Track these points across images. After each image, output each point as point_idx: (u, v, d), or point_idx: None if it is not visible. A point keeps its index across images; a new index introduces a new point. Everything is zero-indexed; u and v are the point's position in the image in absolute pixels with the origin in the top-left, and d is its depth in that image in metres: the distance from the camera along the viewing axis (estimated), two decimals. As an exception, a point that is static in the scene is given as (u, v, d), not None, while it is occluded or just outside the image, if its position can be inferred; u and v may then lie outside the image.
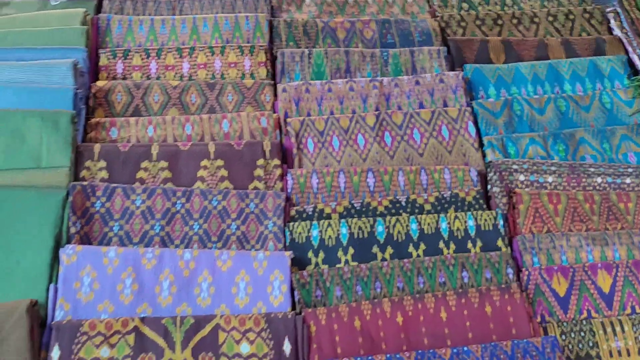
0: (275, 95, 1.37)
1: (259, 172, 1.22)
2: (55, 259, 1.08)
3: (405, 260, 1.12)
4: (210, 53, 1.40)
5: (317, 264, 1.13)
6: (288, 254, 1.10)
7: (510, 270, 1.13)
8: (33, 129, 1.17)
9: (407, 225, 1.16)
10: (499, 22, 1.56)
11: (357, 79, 1.38)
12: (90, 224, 1.13)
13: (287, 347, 1.02)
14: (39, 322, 1.03)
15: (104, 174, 1.19)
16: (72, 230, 1.11)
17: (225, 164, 1.22)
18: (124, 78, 1.37)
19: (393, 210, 1.19)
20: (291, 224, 1.16)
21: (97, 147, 1.21)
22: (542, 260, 1.14)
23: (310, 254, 1.14)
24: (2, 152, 1.16)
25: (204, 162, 1.22)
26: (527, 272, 1.12)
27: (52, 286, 1.06)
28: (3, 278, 1.05)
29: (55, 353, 0.99)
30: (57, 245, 1.09)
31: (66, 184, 1.15)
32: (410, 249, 1.15)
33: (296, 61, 1.41)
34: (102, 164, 1.20)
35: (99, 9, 1.49)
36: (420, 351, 1.00)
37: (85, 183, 1.15)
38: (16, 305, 1.01)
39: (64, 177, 1.16)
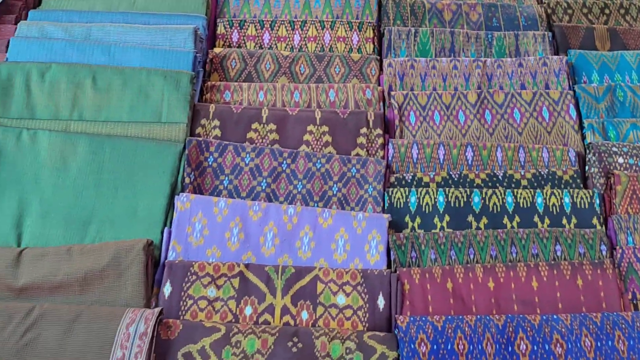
0: (381, 69, 1.42)
1: (361, 139, 1.28)
2: (170, 205, 1.17)
3: (500, 230, 1.15)
4: (321, 27, 1.46)
5: (413, 228, 1.18)
6: (386, 216, 1.16)
7: (604, 247, 1.14)
8: (156, 86, 1.27)
9: (503, 198, 1.19)
10: (606, 11, 1.57)
11: (461, 58, 1.42)
12: (202, 177, 1.22)
13: (380, 301, 1.08)
14: (154, 261, 1.11)
15: (217, 132, 1.27)
16: (187, 180, 1.20)
17: (330, 130, 1.28)
18: (239, 46, 1.45)
19: (490, 184, 1.22)
20: (390, 189, 1.21)
21: (212, 107, 1.29)
22: (636, 240, 1.15)
23: (407, 219, 1.18)
24: (128, 107, 1.26)
25: (310, 127, 1.28)
26: (620, 250, 1.13)
27: (166, 229, 1.14)
28: (125, 220, 1.15)
29: (167, 289, 1.08)
30: (173, 193, 1.18)
31: (183, 139, 1.23)
32: (505, 220, 1.18)
33: (402, 39, 1.46)
34: (216, 122, 1.28)
35: (218, -19, 1.58)
36: (510, 315, 1.04)
37: (200, 139, 1.23)
38: (135, 243, 1.10)
39: (181, 132, 1.24)
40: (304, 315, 1.07)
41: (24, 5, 1.47)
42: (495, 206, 1.19)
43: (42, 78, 1.27)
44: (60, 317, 1.02)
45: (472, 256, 1.13)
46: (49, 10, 1.44)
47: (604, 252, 1.14)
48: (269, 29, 1.46)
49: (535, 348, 1.01)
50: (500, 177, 1.23)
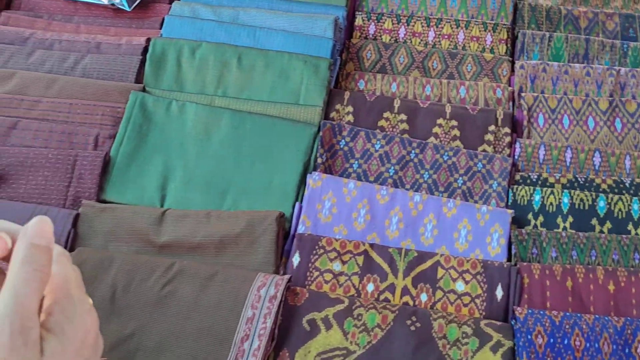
0: (512, 71, 1.44)
1: (489, 137, 1.31)
2: (302, 182, 1.23)
3: (624, 235, 1.16)
4: (456, 26, 1.50)
5: (535, 226, 1.20)
6: (510, 211, 1.18)
7: None
8: (296, 70, 1.34)
9: (629, 205, 1.20)
10: None
11: (594, 66, 1.42)
12: (334, 158, 1.28)
13: (499, 292, 1.11)
14: (283, 233, 1.18)
15: (350, 117, 1.33)
16: (319, 160, 1.26)
17: (458, 124, 1.32)
18: (374, 39, 1.50)
19: (616, 190, 1.23)
20: (515, 186, 1.24)
21: (347, 94, 1.35)
22: None
23: (530, 216, 1.21)
24: (269, 87, 1.33)
25: (440, 121, 1.32)
26: None
27: (297, 204, 1.21)
28: (260, 191, 1.22)
29: (295, 259, 1.14)
30: (305, 171, 1.24)
31: (318, 121, 1.30)
32: (630, 227, 1.19)
33: (536, 42, 1.48)
34: (350, 108, 1.34)
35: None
36: (629, 318, 1.05)
37: (334, 122, 1.29)
38: (268, 214, 1.17)
39: (317, 114, 1.31)
40: (423, 297, 1.11)
41: (177, -13, 1.57)
42: (620, 212, 1.20)
43: (192, 55, 1.36)
44: (197, 275, 1.10)
45: (593, 258, 1.15)
46: (200, -7, 1.54)
47: None
48: (405, 24, 1.51)
49: (654, 353, 1.02)
50: (627, 185, 1.23)
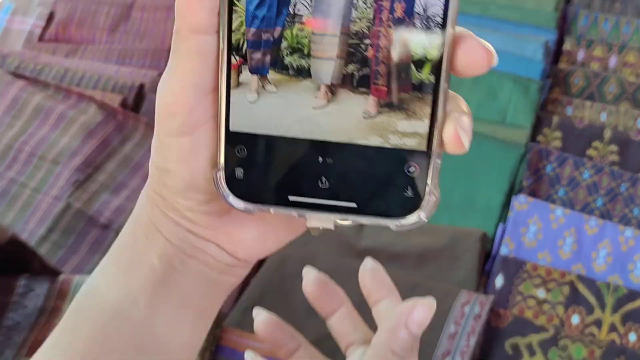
0: None
1: None
2: (506, 203, 1.21)
3: None
4: (671, 59, 1.44)
5: None
6: None
7: None
8: (505, 89, 1.32)
9: None
10: None
11: None
12: (539, 182, 1.24)
13: None
14: (485, 252, 1.16)
15: (557, 143, 1.30)
16: (524, 183, 1.23)
17: (674, 162, 1.26)
18: (583, 65, 1.46)
19: None
20: None
21: (555, 118, 1.32)
22: None
23: None
24: (476, 104, 1.32)
25: (653, 156, 1.27)
26: None
27: (501, 225, 1.19)
28: (462, 208, 1.21)
29: (498, 280, 1.12)
30: (510, 192, 1.22)
31: (525, 143, 1.27)
32: None
33: None
34: (558, 134, 1.30)
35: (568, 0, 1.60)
36: None
37: (542, 146, 1.26)
38: (473, 232, 1.15)
39: (523, 136, 1.28)
40: (632, 337, 1.06)
41: None
42: None
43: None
44: (398, 283, 1.09)
45: None
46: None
47: None
48: (617, 53, 1.46)
49: None
50: None
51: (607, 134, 1.29)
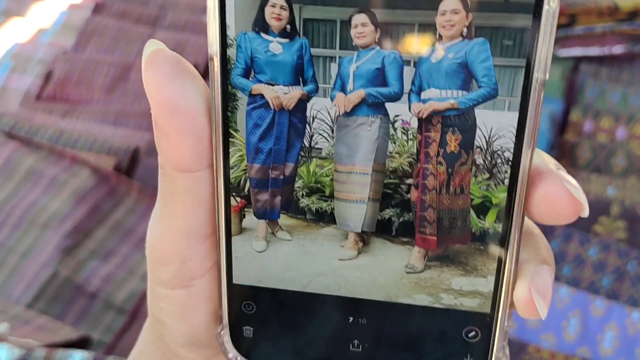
0: None
1: None
2: (508, 280, 1.17)
3: None
4: (680, 132, 1.41)
5: None
6: None
7: None
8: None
9: None
10: None
11: None
12: (543, 259, 1.20)
13: None
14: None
15: (562, 217, 1.26)
16: (528, 259, 1.19)
17: (683, 240, 1.21)
18: (589, 137, 1.43)
19: None
20: None
21: (560, 192, 1.28)
22: None
23: None
24: (479, 174, 1.29)
25: (662, 234, 1.22)
26: None
27: (503, 303, 1.14)
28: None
29: (499, 363, 1.07)
30: (513, 269, 1.18)
31: (529, 217, 1.23)
32: None
33: None
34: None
35: (575, 69, 1.58)
36: None
37: (546, 221, 1.22)
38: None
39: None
40: None
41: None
42: None
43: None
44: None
45: None
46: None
47: None
48: (625, 124, 1.43)
49: None
50: None
51: (615, 209, 1.25)
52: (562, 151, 1.39)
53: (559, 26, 1.53)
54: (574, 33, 1.55)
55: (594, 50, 1.55)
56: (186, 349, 0.29)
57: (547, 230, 1.21)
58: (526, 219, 0.26)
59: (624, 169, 1.36)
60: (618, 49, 1.57)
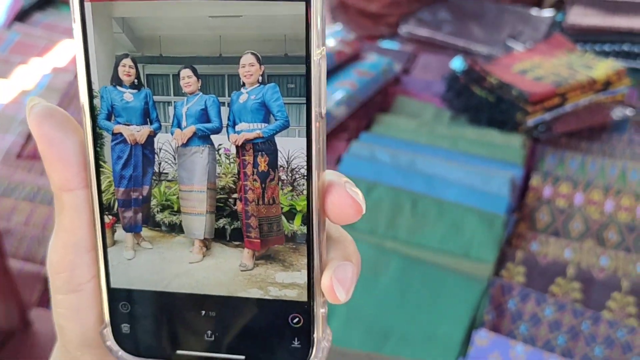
0: (695, 253, 1.38)
1: (668, 319, 1.24)
2: (467, 337, 1.20)
3: None
4: (635, 199, 1.46)
5: None
6: (692, 405, 1.10)
7: None
8: (469, 223, 1.33)
9: None
10: None
11: None
12: (501, 318, 1.24)
13: None
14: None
15: (520, 278, 1.30)
16: (486, 317, 1.23)
17: (636, 301, 1.26)
18: (549, 202, 1.49)
19: None
20: (697, 378, 1.15)
21: (519, 253, 1.33)
22: None
23: None
24: (440, 236, 1.33)
25: (615, 294, 1.27)
26: None
27: (461, 359, 1.18)
28: (423, 341, 1.20)
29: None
30: (471, 326, 1.21)
31: (488, 277, 1.28)
32: None
33: None
34: (521, 269, 1.31)
35: (536, 138, 1.65)
36: None
37: (504, 281, 1.27)
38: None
39: (487, 270, 1.29)
40: None
41: (357, 127, 1.64)
42: None
43: (367, 195, 1.39)
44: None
45: None
46: (378, 135, 1.59)
47: None
48: (582, 190, 1.49)
49: None
50: None
51: (571, 271, 1.30)
52: (522, 214, 1.44)
53: (554, 106, 1.60)
54: (565, 111, 1.62)
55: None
56: (81, 350, 0.35)
57: (506, 291, 1.25)
58: (337, 227, 0.31)
59: (581, 233, 1.42)
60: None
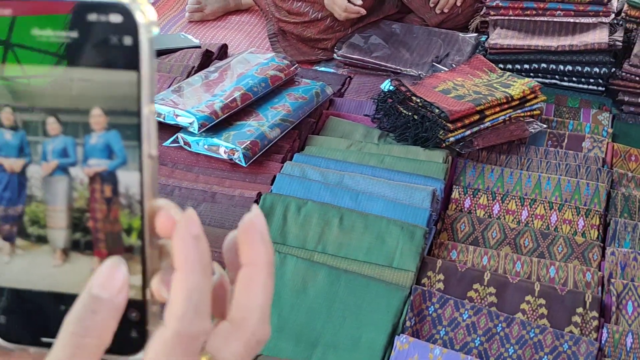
0: (603, 256, 1.48)
1: (576, 318, 1.33)
2: (389, 343, 1.28)
3: None
4: (549, 207, 1.56)
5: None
6: (594, 396, 1.19)
7: None
8: (393, 235, 1.42)
9: None
10: None
11: (686, 259, 1.45)
12: (422, 323, 1.32)
13: None
14: (367, 390, 1.22)
15: (440, 285, 1.39)
16: (407, 324, 1.31)
17: (546, 303, 1.35)
18: (469, 212, 1.58)
19: None
20: (600, 371, 1.25)
21: (439, 262, 1.41)
22: None
23: (614, 403, 1.21)
24: (366, 248, 1.41)
25: (528, 297, 1.36)
26: None
27: (383, 363, 1.26)
28: (348, 347, 1.28)
29: (377, 418, 1.17)
30: (394, 333, 1.29)
31: (409, 285, 1.36)
32: None
33: (628, 231, 1.52)
34: (441, 276, 1.40)
35: (458, 153, 1.74)
36: None
37: (425, 288, 1.35)
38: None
39: (409, 279, 1.37)
40: None
41: (290, 148, 1.72)
42: None
43: (298, 211, 1.47)
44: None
45: None
46: (310, 155, 1.67)
47: None
48: (500, 201, 1.59)
49: None
50: None
51: (487, 277, 1.39)
52: (444, 224, 1.53)
53: (474, 123, 1.70)
54: (485, 127, 1.72)
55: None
56: None
57: (426, 298, 1.34)
58: (169, 241, 0.40)
59: (499, 240, 1.51)
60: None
